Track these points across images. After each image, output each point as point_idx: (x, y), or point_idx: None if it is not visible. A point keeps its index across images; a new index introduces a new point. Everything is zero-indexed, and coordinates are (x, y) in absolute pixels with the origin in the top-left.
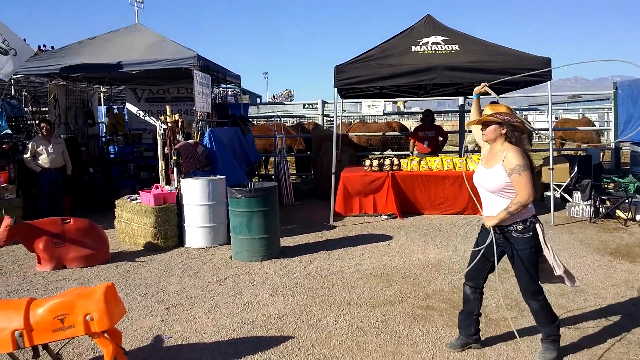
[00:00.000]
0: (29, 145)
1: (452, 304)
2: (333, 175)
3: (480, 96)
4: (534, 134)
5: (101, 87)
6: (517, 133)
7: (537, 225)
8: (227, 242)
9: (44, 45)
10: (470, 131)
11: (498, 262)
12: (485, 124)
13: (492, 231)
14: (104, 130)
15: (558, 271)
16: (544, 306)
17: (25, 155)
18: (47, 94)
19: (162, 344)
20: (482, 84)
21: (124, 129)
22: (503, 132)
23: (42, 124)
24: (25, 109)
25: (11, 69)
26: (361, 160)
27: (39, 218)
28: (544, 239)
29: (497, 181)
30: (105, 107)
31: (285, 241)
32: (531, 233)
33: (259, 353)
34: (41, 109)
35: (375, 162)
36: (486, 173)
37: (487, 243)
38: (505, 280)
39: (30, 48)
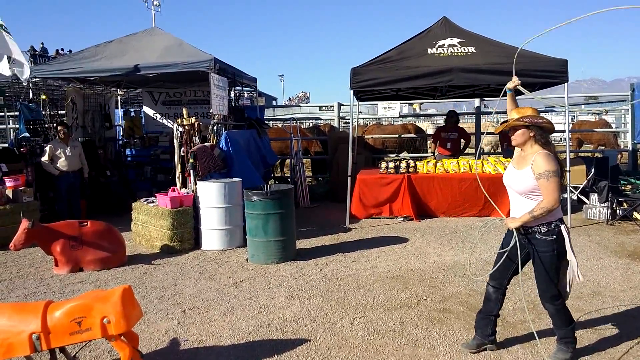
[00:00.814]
0: (47, 149)
1: (469, 306)
2: (349, 178)
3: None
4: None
5: (118, 90)
6: (546, 134)
7: (563, 228)
8: (243, 245)
9: (62, 49)
10: (486, 133)
11: (523, 266)
12: (513, 129)
13: (515, 233)
14: (121, 133)
15: (580, 278)
16: (560, 310)
17: (43, 159)
18: (64, 97)
19: (178, 347)
20: (514, 79)
21: (141, 132)
22: (532, 134)
23: (60, 127)
24: (43, 112)
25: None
26: (377, 162)
27: (57, 221)
28: (570, 244)
29: (525, 184)
30: (122, 110)
31: (301, 243)
32: (555, 236)
33: (276, 356)
34: (59, 112)
35: (391, 165)
36: (516, 174)
37: (511, 245)
38: (524, 282)
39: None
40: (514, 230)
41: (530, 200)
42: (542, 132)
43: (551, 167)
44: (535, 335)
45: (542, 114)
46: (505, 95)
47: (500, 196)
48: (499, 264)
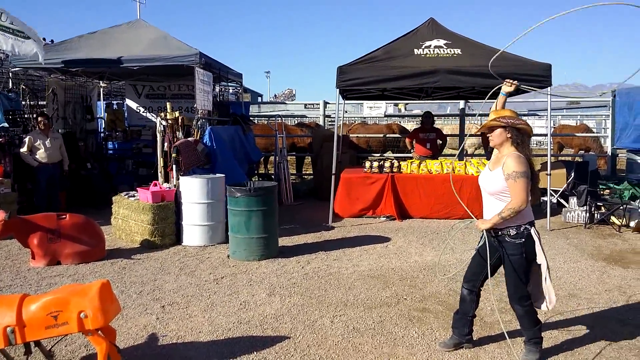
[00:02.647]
0: (26, 139)
1: (448, 306)
2: (333, 176)
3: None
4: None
5: (101, 82)
6: (523, 136)
7: (532, 231)
8: (225, 241)
9: (44, 39)
10: (470, 135)
11: (496, 268)
12: (490, 129)
13: (485, 234)
14: (103, 126)
15: (545, 284)
16: (528, 312)
17: (22, 149)
18: (45, 88)
19: (157, 342)
20: (511, 82)
21: (123, 125)
22: (508, 135)
23: (40, 118)
24: (23, 103)
25: (42, 52)
26: (361, 161)
27: (35, 213)
28: (540, 246)
29: (496, 184)
30: (105, 102)
31: (284, 241)
32: (523, 239)
33: (255, 353)
34: (39, 102)
35: (375, 164)
36: (489, 176)
37: (479, 245)
38: (501, 284)
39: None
40: (484, 232)
41: (500, 202)
42: (518, 134)
43: (520, 168)
44: (506, 335)
45: (524, 118)
46: (492, 97)
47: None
48: (470, 264)
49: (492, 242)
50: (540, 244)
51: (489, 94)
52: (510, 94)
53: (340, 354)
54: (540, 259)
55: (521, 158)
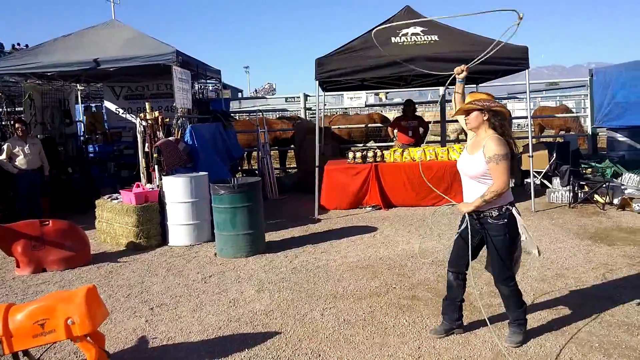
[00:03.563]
0: (5, 147)
1: (437, 293)
2: (317, 169)
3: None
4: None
5: (78, 85)
6: (499, 118)
7: (514, 211)
8: (211, 239)
9: (18, 44)
10: (452, 121)
11: (478, 251)
12: (467, 112)
13: (467, 217)
14: (82, 129)
15: (531, 247)
16: (514, 291)
17: (0, 157)
18: (22, 93)
19: (147, 345)
20: (462, 67)
21: (103, 128)
22: (485, 118)
23: (17, 125)
24: (0, 110)
25: None
26: (344, 152)
27: (17, 220)
28: (522, 224)
29: (477, 168)
30: (83, 105)
31: (271, 236)
32: (506, 220)
33: (246, 350)
34: (16, 109)
35: (358, 155)
36: (468, 159)
37: (461, 229)
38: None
39: None
40: (466, 215)
41: (482, 185)
42: (495, 116)
43: (501, 150)
44: (487, 321)
45: (504, 101)
46: (452, 84)
47: None
48: (453, 249)
49: (474, 225)
50: (522, 222)
51: (448, 82)
52: (473, 79)
53: (332, 347)
54: (523, 235)
55: (501, 140)
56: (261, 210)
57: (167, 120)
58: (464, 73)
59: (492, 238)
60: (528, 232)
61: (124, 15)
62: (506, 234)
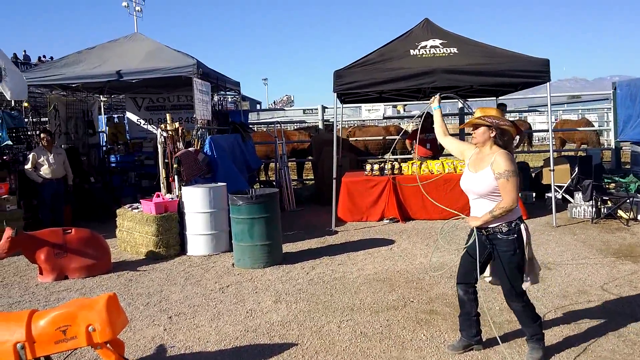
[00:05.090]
0: (30, 156)
1: (456, 307)
2: (334, 181)
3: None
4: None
5: (101, 96)
6: (506, 137)
7: (522, 227)
8: (229, 250)
9: (44, 56)
10: (469, 134)
11: (482, 263)
12: (475, 127)
13: (474, 232)
14: (105, 140)
15: (526, 283)
16: (526, 307)
17: (26, 166)
18: (47, 104)
19: (165, 353)
20: (435, 96)
21: (125, 138)
22: (492, 134)
23: (43, 135)
24: (26, 120)
25: (17, 88)
26: (362, 164)
27: (41, 229)
28: (527, 241)
29: (485, 185)
30: (106, 116)
31: (287, 247)
32: (516, 235)
33: None
34: (41, 119)
35: (376, 167)
36: (474, 177)
37: (469, 243)
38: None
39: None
40: (474, 229)
41: (491, 202)
42: (502, 135)
43: (510, 166)
44: (498, 339)
45: (524, 114)
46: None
47: None
48: (461, 264)
49: (481, 240)
50: (529, 238)
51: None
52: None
53: (348, 359)
54: (528, 254)
55: (510, 156)
56: (279, 222)
57: (187, 135)
58: (435, 101)
59: (501, 254)
60: (533, 255)
61: (146, 27)
62: (516, 250)
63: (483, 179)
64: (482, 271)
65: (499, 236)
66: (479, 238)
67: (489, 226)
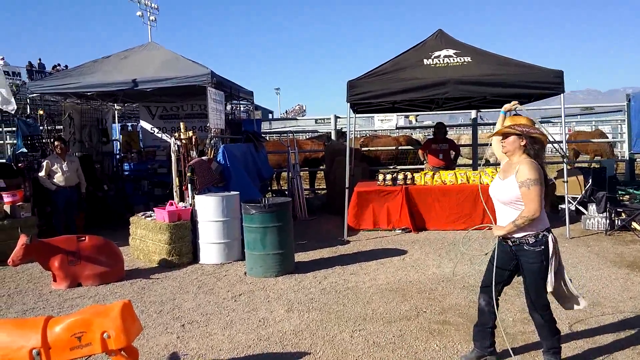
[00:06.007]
0: (44, 164)
1: (469, 318)
2: (347, 190)
3: (507, 113)
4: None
5: (115, 104)
6: (537, 145)
7: (550, 237)
8: (241, 258)
9: (59, 64)
10: (483, 144)
11: (512, 278)
12: (505, 136)
13: (497, 242)
14: (118, 148)
15: (550, 287)
16: (548, 321)
17: (40, 174)
18: (61, 112)
19: None
20: (513, 102)
21: (138, 146)
22: (522, 143)
23: (57, 143)
24: (41, 128)
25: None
26: (374, 174)
27: (54, 236)
28: (553, 253)
29: (509, 193)
30: (120, 124)
31: (300, 256)
32: (543, 247)
33: None
34: (56, 127)
35: (388, 177)
36: (500, 185)
37: (489, 252)
38: (522, 294)
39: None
40: (497, 239)
41: (515, 210)
42: (532, 143)
43: (533, 175)
44: (511, 352)
45: (537, 125)
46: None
47: None
48: (486, 274)
49: (507, 250)
50: (555, 250)
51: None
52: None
53: None
54: (553, 266)
55: (534, 164)
56: (291, 231)
57: (201, 144)
58: (512, 107)
59: (528, 265)
60: (564, 274)
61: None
62: (543, 262)
63: (508, 186)
64: (508, 282)
65: (525, 247)
66: (504, 248)
67: (515, 236)
